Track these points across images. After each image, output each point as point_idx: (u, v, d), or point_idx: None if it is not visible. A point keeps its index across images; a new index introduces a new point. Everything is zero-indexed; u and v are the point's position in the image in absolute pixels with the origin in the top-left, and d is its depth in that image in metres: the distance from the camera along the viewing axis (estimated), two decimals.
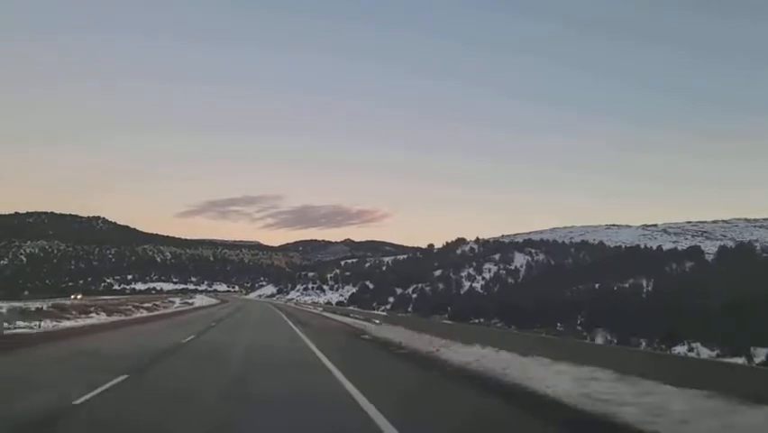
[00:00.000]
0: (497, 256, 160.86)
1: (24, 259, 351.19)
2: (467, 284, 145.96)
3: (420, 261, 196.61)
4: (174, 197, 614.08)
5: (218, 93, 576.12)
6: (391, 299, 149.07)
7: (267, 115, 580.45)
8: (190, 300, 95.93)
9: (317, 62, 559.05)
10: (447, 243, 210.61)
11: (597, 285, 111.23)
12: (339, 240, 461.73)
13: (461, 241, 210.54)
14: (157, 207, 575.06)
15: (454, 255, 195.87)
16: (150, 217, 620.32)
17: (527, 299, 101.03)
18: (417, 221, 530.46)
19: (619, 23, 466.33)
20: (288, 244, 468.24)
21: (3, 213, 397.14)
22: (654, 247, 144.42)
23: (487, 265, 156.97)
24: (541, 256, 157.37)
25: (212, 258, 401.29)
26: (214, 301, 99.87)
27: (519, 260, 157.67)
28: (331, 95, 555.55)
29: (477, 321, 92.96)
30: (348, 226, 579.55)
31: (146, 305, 60.91)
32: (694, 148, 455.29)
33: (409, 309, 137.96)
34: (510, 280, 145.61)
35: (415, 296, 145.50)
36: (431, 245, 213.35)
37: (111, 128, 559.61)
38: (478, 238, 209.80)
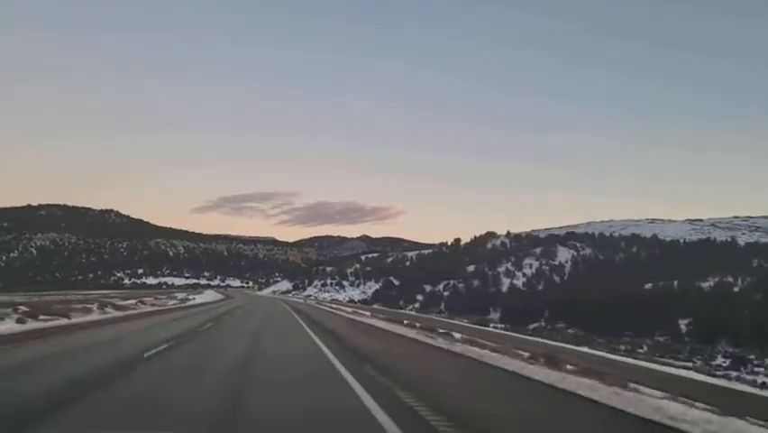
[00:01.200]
0: (537, 250, 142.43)
1: (35, 252, 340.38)
2: (506, 281, 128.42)
3: (447, 256, 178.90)
4: (189, 192, 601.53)
5: (233, 89, 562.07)
6: (420, 297, 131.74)
7: (281, 111, 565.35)
8: (190, 297, 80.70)
9: (331, 60, 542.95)
10: (476, 237, 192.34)
11: (675, 282, 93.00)
12: (355, 236, 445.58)
13: (490, 235, 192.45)
14: (171, 202, 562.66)
15: (484, 250, 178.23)
16: (165, 213, 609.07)
17: (590, 298, 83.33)
18: (433, 218, 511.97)
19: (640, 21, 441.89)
20: (303, 240, 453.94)
21: (15, 205, 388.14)
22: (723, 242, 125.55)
23: (527, 260, 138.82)
24: (587, 250, 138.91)
25: (226, 253, 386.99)
26: (218, 297, 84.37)
27: (563, 254, 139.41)
28: (343, 92, 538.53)
29: (536, 325, 75.43)
30: (362, 223, 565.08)
31: (127, 302, 46.48)
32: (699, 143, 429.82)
33: (441, 309, 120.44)
34: (555, 276, 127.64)
35: (447, 294, 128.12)
36: (458, 240, 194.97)
37: (127, 123, 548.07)
38: (509, 232, 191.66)
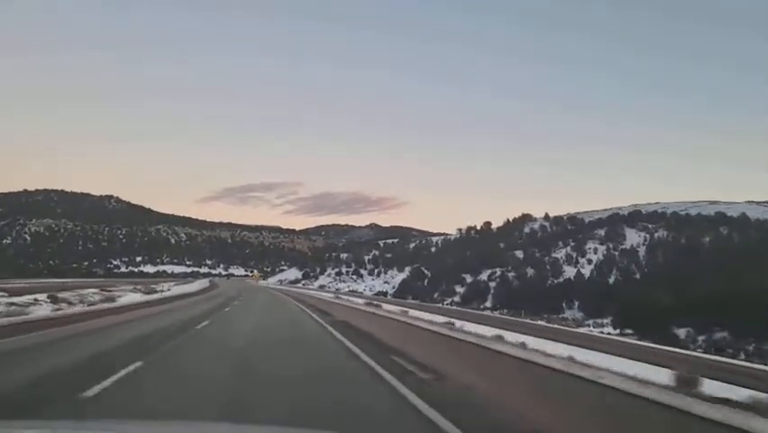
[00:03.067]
0: (601, 232, 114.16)
1: (28, 238, 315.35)
2: (569, 269, 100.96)
3: (477, 241, 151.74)
4: (193, 183, 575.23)
5: (235, 80, 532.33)
6: (459, 289, 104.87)
7: (284, 102, 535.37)
8: (164, 289, 54.92)
9: (335, 54, 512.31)
10: (509, 220, 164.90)
11: None
12: (363, 225, 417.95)
13: (526, 217, 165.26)
14: (175, 191, 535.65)
15: (521, 234, 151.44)
16: (168, 203, 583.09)
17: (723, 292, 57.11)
18: (439, 207, 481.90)
19: None
20: (309, 228, 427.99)
21: (11, 190, 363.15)
22: None
23: (590, 245, 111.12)
24: (661, 233, 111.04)
25: (230, 240, 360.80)
26: (197, 288, 58.11)
27: (632, 237, 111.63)
28: (346, 81, 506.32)
29: (684, 333, 48.81)
30: (367, 213, 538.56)
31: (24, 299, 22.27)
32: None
33: (495, 305, 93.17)
34: (628, 262, 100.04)
35: (493, 285, 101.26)
36: (488, 223, 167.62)
37: (129, 114, 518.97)
38: (547, 215, 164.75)
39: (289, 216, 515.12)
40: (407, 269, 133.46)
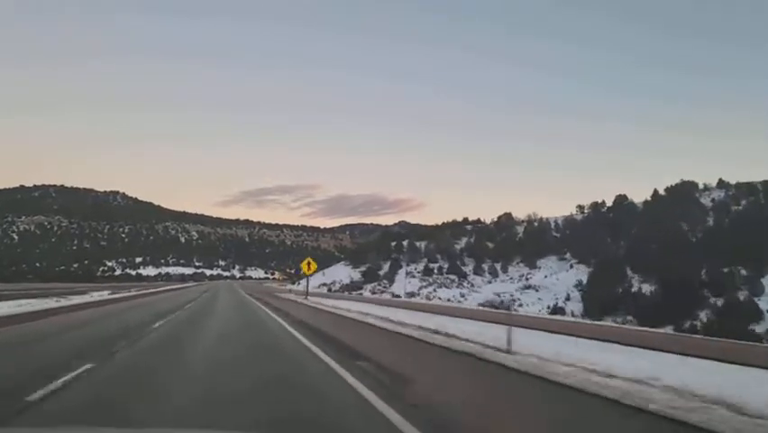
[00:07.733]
0: None
1: (16, 237, 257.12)
2: None
3: (619, 220, 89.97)
4: (208, 186, 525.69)
5: (250, 83, 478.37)
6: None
7: (299, 104, 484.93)
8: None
9: (343, 55, 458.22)
10: (658, 191, 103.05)
11: None
12: (391, 223, 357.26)
13: (691, 186, 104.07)
14: (189, 196, 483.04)
15: (693, 206, 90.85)
16: (184, 205, 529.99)
17: None
18: (461, 205, 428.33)
19: None
20: (334, 227, 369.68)
21: (7, 186, 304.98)
22: None
23: None
24: None
25: (247, 239, 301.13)
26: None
27: None
28: (358, 82, 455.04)
29: None
30: (384, 215, 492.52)
31: None
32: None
33: None
34: None
35: None
36: (621, 197, 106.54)
37: (145, 114, 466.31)
38: (722, 180, 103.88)
39: (307, 219, 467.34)
40: (563, 264, 70.14)
